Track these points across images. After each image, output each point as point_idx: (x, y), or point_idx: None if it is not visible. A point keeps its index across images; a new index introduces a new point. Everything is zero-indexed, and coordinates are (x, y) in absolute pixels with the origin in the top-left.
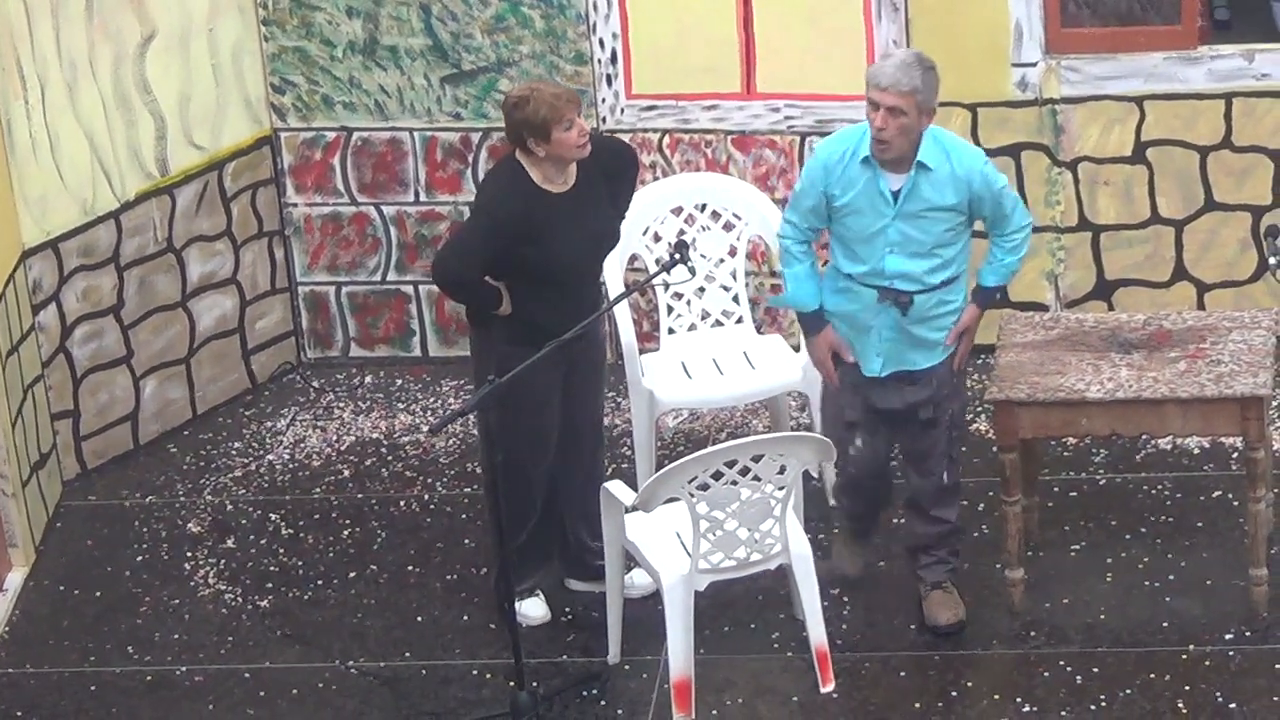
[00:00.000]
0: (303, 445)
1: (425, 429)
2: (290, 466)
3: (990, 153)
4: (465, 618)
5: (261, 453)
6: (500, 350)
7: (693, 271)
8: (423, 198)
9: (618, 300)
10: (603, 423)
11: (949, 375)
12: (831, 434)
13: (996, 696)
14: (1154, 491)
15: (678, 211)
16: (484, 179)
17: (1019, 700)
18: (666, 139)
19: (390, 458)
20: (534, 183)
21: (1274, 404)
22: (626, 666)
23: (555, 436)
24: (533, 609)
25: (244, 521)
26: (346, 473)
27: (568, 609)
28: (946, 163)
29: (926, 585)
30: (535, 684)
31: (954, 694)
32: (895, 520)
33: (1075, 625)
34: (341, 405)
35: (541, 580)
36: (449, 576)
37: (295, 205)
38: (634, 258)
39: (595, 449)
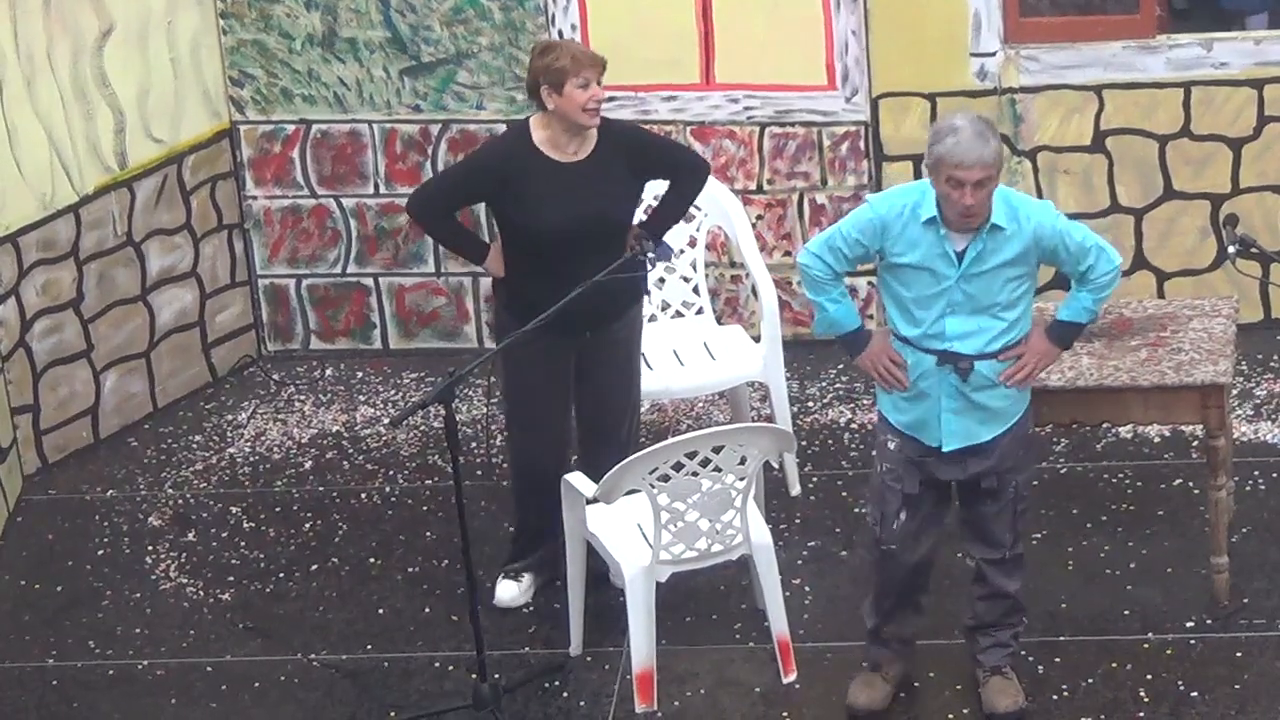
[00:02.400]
0: (263, 438)
1: (386, 421)
2: (251, 459)
3: None
4: (427, 610)
5: (222, 446)
6: (501, 318)
7: (653, 264)
8: (382, 190)
9: (576, 293)
10: (629, 416)
11: (1015, 447)
12: (875, 507)
13: (958, 686)
14: (1115, 480)
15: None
16: None
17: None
18: None
19: (351, 450)
20: (533, 144)
21: (1234, 392)
22: (589, 658)
23: (554, 425)
24: (505, 590)
25: (205, 515)
26: (307, 465)
27: (529, 601)
28: (1015, 222)
29: (985, 670)
30: (497, 676)
31: (916, 684)
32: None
33: (1037, 614)
34: (302, 398)
35: (533, 565)
36: (410, 569)
37: (255, 198)
38: None
39: (623, 444)
